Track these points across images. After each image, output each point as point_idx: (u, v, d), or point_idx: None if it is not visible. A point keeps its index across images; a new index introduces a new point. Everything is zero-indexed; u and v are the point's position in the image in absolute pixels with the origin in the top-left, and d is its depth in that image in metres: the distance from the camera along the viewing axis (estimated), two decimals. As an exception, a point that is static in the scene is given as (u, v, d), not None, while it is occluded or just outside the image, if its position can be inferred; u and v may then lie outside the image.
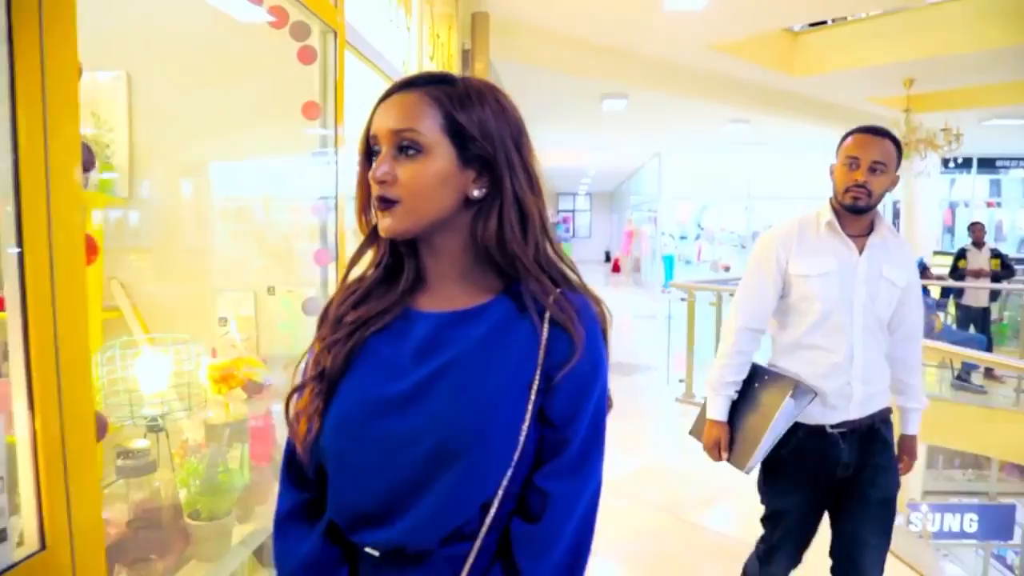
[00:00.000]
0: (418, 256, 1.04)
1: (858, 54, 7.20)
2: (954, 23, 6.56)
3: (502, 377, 0.98)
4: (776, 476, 2.27)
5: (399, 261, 1.04)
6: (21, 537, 1.07)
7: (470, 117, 0.97)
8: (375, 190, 0.97)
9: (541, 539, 0.98)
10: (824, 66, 7.46)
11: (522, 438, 0.97)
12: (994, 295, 7.69)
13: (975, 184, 16.31)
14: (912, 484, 8.24)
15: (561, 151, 15.12)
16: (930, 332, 6.16)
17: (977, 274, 7.61)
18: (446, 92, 0.98)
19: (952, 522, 8.79)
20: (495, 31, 5.32)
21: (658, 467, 4.86)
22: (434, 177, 0.96)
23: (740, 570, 2.52)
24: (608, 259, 25.05)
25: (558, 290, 1.02)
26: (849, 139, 2.19)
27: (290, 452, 1.09)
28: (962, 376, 7.13)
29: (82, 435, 1.14)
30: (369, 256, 1.07)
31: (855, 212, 2.16)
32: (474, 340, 1.00)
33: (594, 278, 20.57)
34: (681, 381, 6.63)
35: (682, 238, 17.18)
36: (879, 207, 2.23)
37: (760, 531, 2.38)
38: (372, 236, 1.04)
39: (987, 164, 15.76)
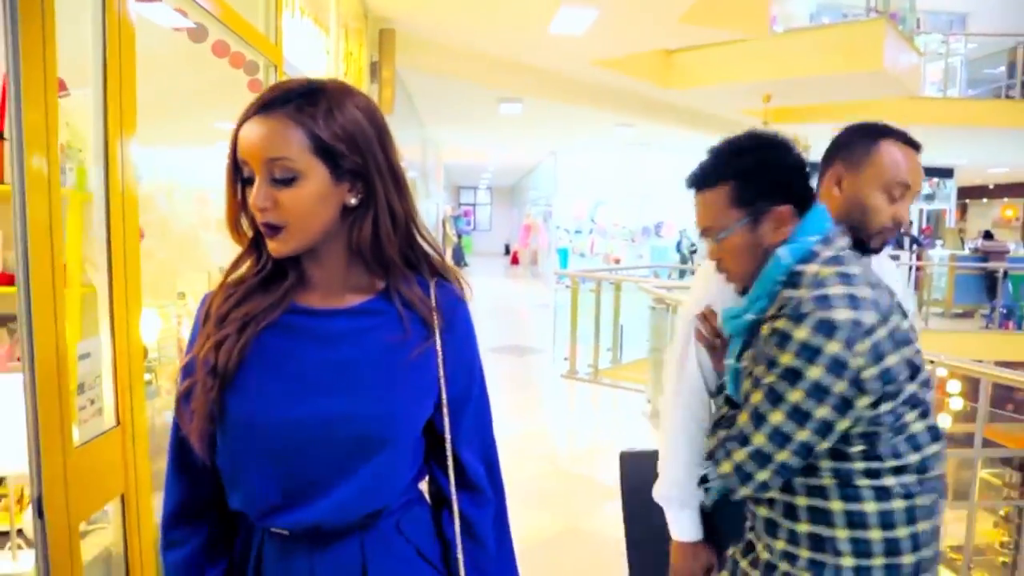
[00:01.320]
0: (299, 261, 1.06)
1: (723, 72, 8.13)
2: (802, 51, 7.57)
3: (407, 372, 1.07)
4: None
5: (278, 265, 1.06)
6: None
7: (335, 133, 0.98)
8: (257, 216, 0.99)
9: (483, 500, 1.17)
10: (694, 81, 8.36)
11: (423, 424, 1.11)
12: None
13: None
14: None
15: (462, 148, 15.76)
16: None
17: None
18: (308, 113, 0.98)
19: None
20: (400, 45, 5.92)
21: (542, 430, 5.63)
22: (313, 198, 0.98)
23: (601, 502, 2.51)
24: (508, 252, 25.70)
25: (433, 281, 1.12)
26: (896, 153, 1.54)
27: (177, 445, 1.10)
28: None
29: (136, 355, 1.75)
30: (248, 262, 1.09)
31: (867, 253, 1.54)
32: (373, 335, 1.06)
33: (494, 270, 21.30)
34: (566, 359, 7.43)
35: (577, 232, 18.08)
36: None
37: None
38: (252, 247, 1.07)
39: (848, 169, 17.34)
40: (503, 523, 1.20)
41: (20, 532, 1.69)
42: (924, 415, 1.28)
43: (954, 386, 11.34)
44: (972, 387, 10.91)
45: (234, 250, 1.11)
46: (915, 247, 13.89)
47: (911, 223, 15.18)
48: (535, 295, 14.75)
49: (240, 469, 1.03)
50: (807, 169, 1.40)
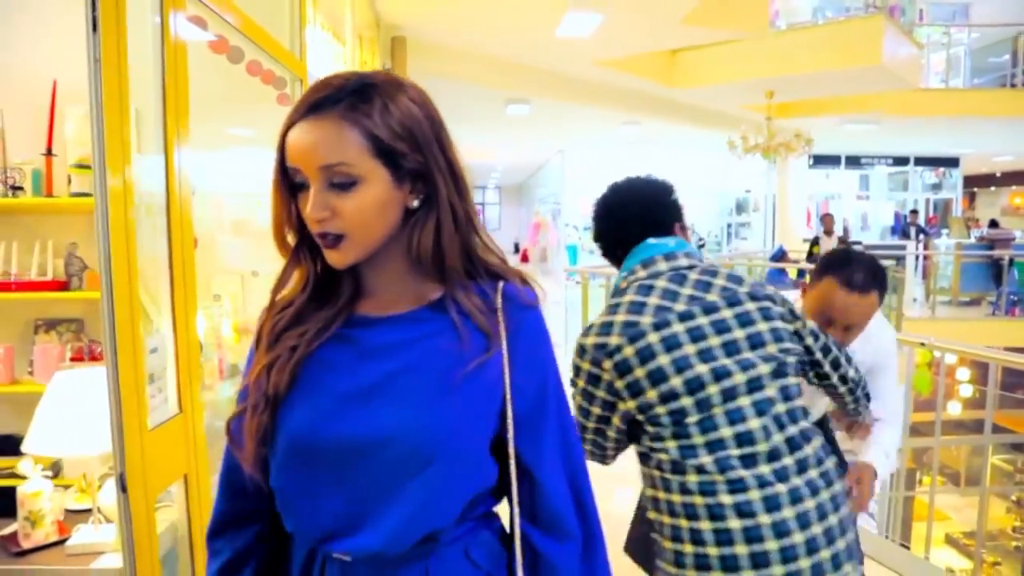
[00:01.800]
0: (354, 270, 0.98)
1: (725, 71, 8.31)
2: (801, 48, 7.75)
3: (464, 384, 0.95)
4: None
5: (328, 276, 1.00)
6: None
7: (394, 131, 0.90)
8: (313, 227, 0.92)
9: (564, 534, 1.01)
10: (698, 80, 8.55)
11: (489, 442, 0.98)
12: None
13: (845, 179, 18.02)
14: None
15: (471, 148, 15.94)
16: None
17: (827, 258, 8.86)
18: (363, 111, 0.89)
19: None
20: (411, 52, 6.12)
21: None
22: (374, 205, 0.91)
23: (611, 483, 2.55)
24: (517, 250, 25.77)
25: (499, 285, 1.01)
26: (828, 291, 1.85)
27: (229, 470, 1.05)
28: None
29: (195, 350, 1.95)
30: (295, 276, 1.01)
31: None
32: (427, 344, 0.96)
33: (504, 268, 21.33)
34: (577, 354, 7.60)
35: (585, 229, 18.22)
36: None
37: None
38: (296, 258, 0.99)
39: (853, 161, 17.46)
40: (593, 566, 1.03)
41: (98, 509, 1.89)
42: (734, 422, 1.44)
43: (963, 374, 11.46)
44: (981, 374, 11.00)
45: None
46: (922, 237, 14.01)
47: (916, 213, 15.28)
48: (546, 292, 14.88)
49: (292, 494, 0.96)
50: (621, 229, 1.70)
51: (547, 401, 1.02)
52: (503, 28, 6.50)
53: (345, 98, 0.90)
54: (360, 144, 0.89)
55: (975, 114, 11.58)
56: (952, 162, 17.78)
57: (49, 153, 2.94)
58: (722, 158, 10.61)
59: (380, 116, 0.90)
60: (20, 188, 2.91)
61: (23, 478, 2.95)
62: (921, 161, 17.69)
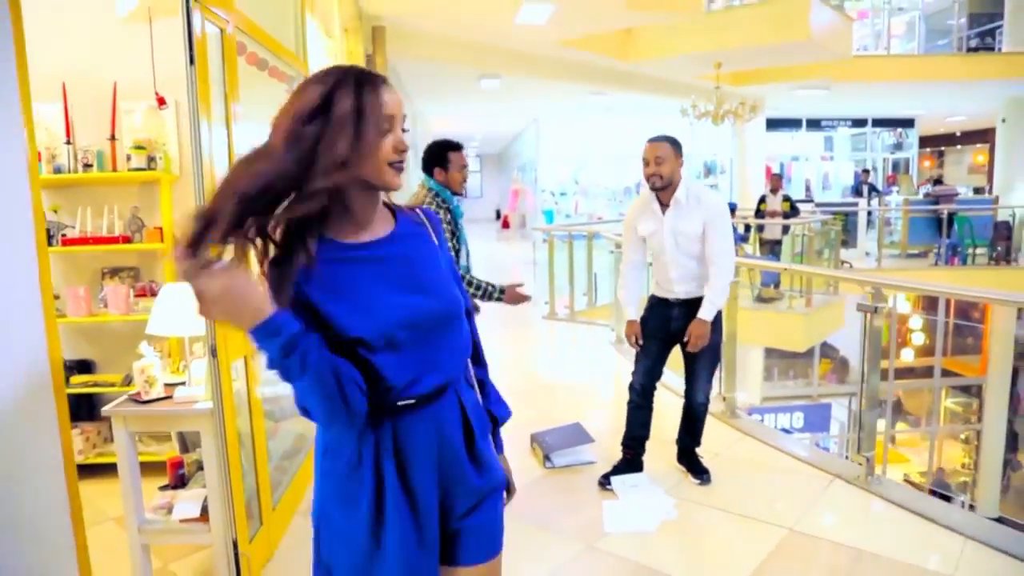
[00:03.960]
0: (349, 205, 1.28)
1: (673, 46, 9.14)
2: (738, 25, 8.61)
3: (448, 267, 1.46)
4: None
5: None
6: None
7: None
8: (398, 157, 1.26)
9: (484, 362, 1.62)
10: (649, 54, 9.38)
11: None
12: (785, 229, 9.88)
13: (810, 141, 18.89)
14: (752, 393, 10.33)
15: (449, 119, 16.74)
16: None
17: (773, 214, 9.79)
18: None
19: (784, 420, 11.08)
20: (390, 39, 6.95)
21: (527, 353, 6.79)
22: None
23: (564, 399, 4.10)
24: (498, 216, 26.50)
25: (418, 209, 1.49)
26: (644, 147, 3.36)
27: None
28: (761, 296, 9.26)
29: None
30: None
31: (657, 190, 3.34)
32: (419, 250, 1.39)
33: (487, 235, 22.25)
34: (546, 303, 8.54)
35: (562, 194, 19.08)
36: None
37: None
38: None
39: (814, 124, 18.36)
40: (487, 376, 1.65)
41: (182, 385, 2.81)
42: None
43: (916, 322, 12.38)
44: (930, 325, 11.89)
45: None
46: (874, 194, 14.95)
47: (868, 172, 16.17)
48: (523, 253, 15.77)
49: (414, 354, 1.31)
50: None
51: (458, 278, 1.52)
52: (469, 16, 7.33)
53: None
54: None
55: (920, 79, 12.46)
56: (908, 123, 18.69)
57: (112, 138, 3.82)
58: (687, 124, 11.49)
59: None
60: (90, 165, 3.79)
61: (100, 388, 3.88)
62: (878, 123, 18.61)
